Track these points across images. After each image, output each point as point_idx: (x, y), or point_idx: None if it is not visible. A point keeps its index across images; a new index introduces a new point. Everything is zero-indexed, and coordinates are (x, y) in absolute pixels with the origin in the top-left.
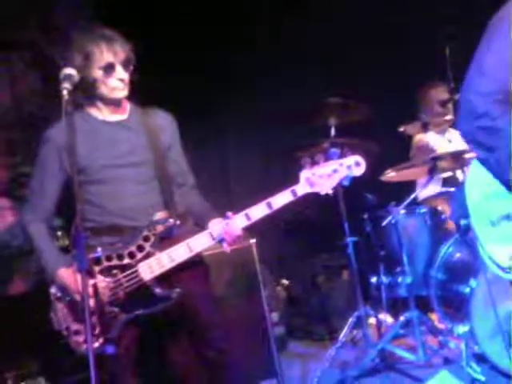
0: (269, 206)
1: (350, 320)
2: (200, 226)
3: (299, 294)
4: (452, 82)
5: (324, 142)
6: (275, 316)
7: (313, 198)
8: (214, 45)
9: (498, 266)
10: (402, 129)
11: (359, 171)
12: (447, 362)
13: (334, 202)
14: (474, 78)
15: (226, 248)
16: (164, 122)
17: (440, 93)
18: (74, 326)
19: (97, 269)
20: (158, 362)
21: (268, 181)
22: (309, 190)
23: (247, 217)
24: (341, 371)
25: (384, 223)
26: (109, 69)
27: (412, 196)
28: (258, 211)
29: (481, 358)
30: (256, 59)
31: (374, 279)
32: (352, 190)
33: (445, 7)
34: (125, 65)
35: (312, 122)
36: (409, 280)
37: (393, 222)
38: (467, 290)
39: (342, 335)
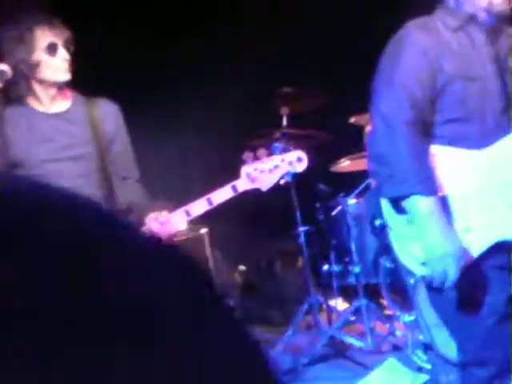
0: (209, 201)
1: (303, 306)
2: (139, 217)
3: (255, 280)
4: None
5: (275, 132)
6: (229, 302)
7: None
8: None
9: (413, 263)
10: (352, 120)
11: (301, 167)
12: (395, 349)
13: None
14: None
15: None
16: (108, 112)
17: None
18: None
19: None
20: None
21: (223, 169)
22: (250, 185)
23: (187, 213)
24: (292, 358)
25: (334, 212)
26: (52, 49)
27: (361, 186)
28: (198, 207)
29: (427, 347)
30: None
31: (325, 267)
32: (306, 179)
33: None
34: (67, 46)
35: (264, 111)
36: (357, 269)
37: (342, 211)
38: (412, 280)
39: (295, 321)
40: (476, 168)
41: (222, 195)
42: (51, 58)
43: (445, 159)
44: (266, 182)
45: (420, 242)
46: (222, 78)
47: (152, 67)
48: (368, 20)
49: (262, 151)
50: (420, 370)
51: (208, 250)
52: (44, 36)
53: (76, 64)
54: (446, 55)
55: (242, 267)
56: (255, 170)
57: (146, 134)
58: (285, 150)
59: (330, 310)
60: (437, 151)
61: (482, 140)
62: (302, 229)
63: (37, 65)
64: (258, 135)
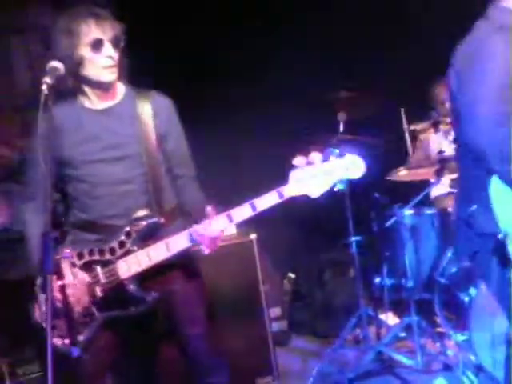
0: (253, 207)
1: (352, 319)
2: (196, 219)
3: (305, 288)
4: None
5: (332, 139)
6: (277, 311)
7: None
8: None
9: None
10: (412, 127)
11: (357, 174)
12: (445, 368)
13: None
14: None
15: (205, 251)
16: (159, 108)
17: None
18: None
19: (78, 263)
20: (142, 364)
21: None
22: (298, 191)
23: (229, 218)
24: (338, 371)
25: (388, 224)
26: (97, 45)
27: (419, 197)
28: (241, 213)
29: (478, 368)
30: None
31: (377, 280)
32: (361, 187)
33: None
34: (114, 43)
35: (322, 115)
36: (410, 283)
37: (398, 222)
38: (466, 298)
39: (344, 334)
40: None
41: (266, 201)
42: (95, 54)
43: None
44: (315, 189)
45: None
46: (281, 81)
47: (211, 69)
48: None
49: (315, 155)
50: None
51: (257, 256)
52: (89, 31)
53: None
54: None
55: (291, 275)
56: (305, 175)
57: (201, 134)
58: (340, 155)
59: (380, 324)
60: None
61: None
62: (354, 239)
63: (81, 61)
64: (313, 141)
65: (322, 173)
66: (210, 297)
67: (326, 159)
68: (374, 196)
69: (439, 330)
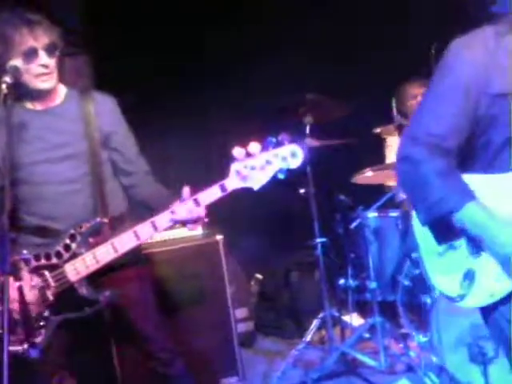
0: (196, 202)
1: (316, 320)
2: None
3: (271, 289)
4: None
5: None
6: (244, 312)
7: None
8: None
9: (448, 296)
10: (377, 130)
11: (296, 163)
12: (408, 369)
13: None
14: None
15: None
16: (102, 107)
17: (414, 88)
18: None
19: (26, 269)
20: (99, 363)
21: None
22: (240, 184)
23: (172, 213)
24: (303, 372)
25: (352, 226)
26: (30, 54)
27: (383, 200)
28: (184, 208)
29: (440, 369)
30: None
31: (341, 281)
32: (325, 189)
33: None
34: (49, 50)
35: (287, 119)
36: (374, 285)
37: (362, 224)
38: (428, 300)
39: (308, 335)
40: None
41: (209, 195)
42: (29, 64)
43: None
44: (257, 180)
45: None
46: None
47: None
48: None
49: (253, 146)
50: None
51: (223, 257)
52: (22, 40)
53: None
54: (493, 74)
55: (258, 276)
56: (245, 167)
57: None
58: (279, 145)
59: (344, 325)
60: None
61: None
62: (319, 240)
63: (15, 69)
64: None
65: (261, 164)
66: (174, 297)
67: (264, 149)
68: (339, 198)
69: (402, 331)
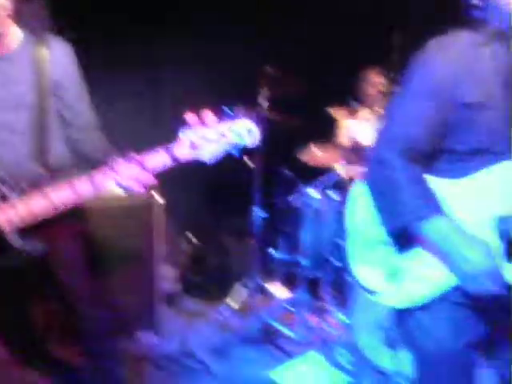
0: (141, 165)
1: (242, 288)
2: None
3: (203, 251)
4: (394, 72)
5: (252, 107)
6: (172, 271)
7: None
8: None
9: (367, 289)
10: (331, 111)
11: (251, 140)
12: (323, 343)
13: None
14: (384, 123)
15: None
16: (57, 54)
17: (376, 77)
18: None
19: None
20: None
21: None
22: (190, 153)
23: (115, 173)
24: (222, 336)
25: (293, 201)
26: None
27: (327, 179)
28: (128, 170)
29: (354, 348)
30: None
31: (273, 252)
32: (272, 161)
33: None
34: None
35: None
36: (304, 261)
37: (302, 201)
38: (351, 279)
39: (233, 301)
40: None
41: (156, 160)
42: None
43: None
44: (208, 153)
45: (449, 264)
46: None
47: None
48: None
49: (208, 115)
50: (342, 369)
51: (156, 215)
52: None
53: None
54: (465, 83)
55: (191, 237)
56: (198, 136)
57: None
58: (235, 118)
59: (269, 295)
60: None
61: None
62: (258, 210)
63: None
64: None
65: (214, 136)
66: (102, 250)
67: (219, 120)
68: (284, 172)
69: (325, 307)
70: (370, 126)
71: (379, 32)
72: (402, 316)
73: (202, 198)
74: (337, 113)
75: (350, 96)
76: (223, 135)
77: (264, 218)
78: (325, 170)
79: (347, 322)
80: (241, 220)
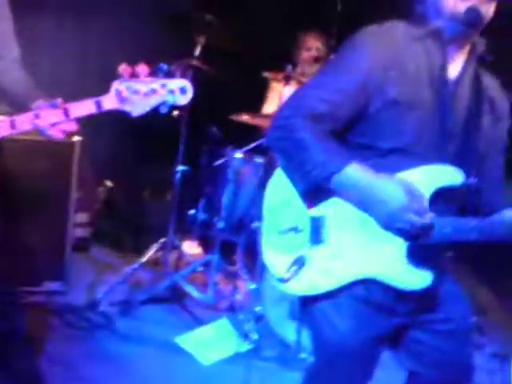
0: (65, 113)
1: (156, 244)
2: (21, 106)
3: (120, 200)
4: (333, 39)
5: (184, 59)
6: (84, 217)
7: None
8: None
9: (274, 275)
10: (265, 74)
11: (183, 100)
12: (231, 309)
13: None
14: (295, 93)
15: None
16: None
17: (311, 40)
18: None
19: None
20: None
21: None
22: (118, 105)
23: (36, 116)
24: (130, 291)
25: (217, 162)
26: None
27: (253, 144)
28: (51, 116)
29: (259, 317)
30: None
31: (191, 211)
32: (200, 117)
33: None
34: None
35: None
36: (221, 223)
37: (226, 162)
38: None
39: (145, 256)
40: None
41: (82, 109)
42: None
43: None
44: (137, 107)
45: (370, 211)
46: None
47: None
48: None
49: (142, 68)
50: (247, 337)
51: (75, 159)
52: None
53: None
54: (394, 76)
55: (108, 183)
56: (129, 88)
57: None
58: (170, 75)
59: (182, 254)
60: None
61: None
62: (180, 167)
63: None
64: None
65: (146, 90)
66: (14, 191)
67: (153, 75)
68: (211, 130)
69: (236, 272)
70: None
71: None
72: (305, 304)
73: (124, 147)
74: (272, 76)
75: (287, 60)
76: (154, 91)
77: (186, 175)
78: (254, 133)
79: (255, 288)
80: (162, 174)
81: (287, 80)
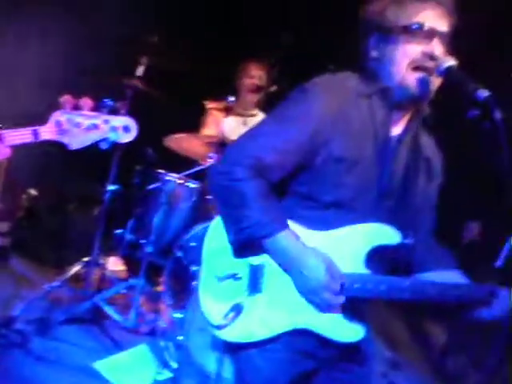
0: (1, 138)
1: (79, 262)
2: None
3: (43, 211)
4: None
5: (126, 78)
6: (4, 226)
7: None
8: None
9: (209, 321)
10: (206, 102)
11: (126, 138)
12: (151, 334)
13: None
14: (242, 138)
15: None
16: None
17: (254, 69)
18: None
19: None
20: None
21: None
22: (55, 137)
23: None
24: (48, 308)
25: (151, 184)
26: None
27: (192, 170)
28: None
29: (180, 346)
30: None
31: (119, 231)
32: (136, 138)
33: None
34: None
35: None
36: (150, 248)
37: (160, 185)
38: (194, 282)
39: (67, 273)
40: None
41: (18, 137)
42: None
43: None
44: (76, 140)
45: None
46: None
47: None
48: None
49: (85, 101)
50: (166, 365)
51: (2, 169)
52: None
53: None
54: (341, 131)
55: (32, 191)
56: (69, 120)
57: None
58: (114, 112)
59: (106, 273)
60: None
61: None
62: (111, 187)
63: None
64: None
65: (88, 124)
66: None
67: (97, 110)
68: (147, 151)
69: (160, 297)
70: (240, 124)
71: (270, 29)
72: (235, 349)
73: (53, 157)
74: (212, 106)
75: (228, 88)
76: (96, 126)
77: (117, 194)
78: (189, 159)
79: (179, 316)
80: (91, 189)
81: (228, 111)
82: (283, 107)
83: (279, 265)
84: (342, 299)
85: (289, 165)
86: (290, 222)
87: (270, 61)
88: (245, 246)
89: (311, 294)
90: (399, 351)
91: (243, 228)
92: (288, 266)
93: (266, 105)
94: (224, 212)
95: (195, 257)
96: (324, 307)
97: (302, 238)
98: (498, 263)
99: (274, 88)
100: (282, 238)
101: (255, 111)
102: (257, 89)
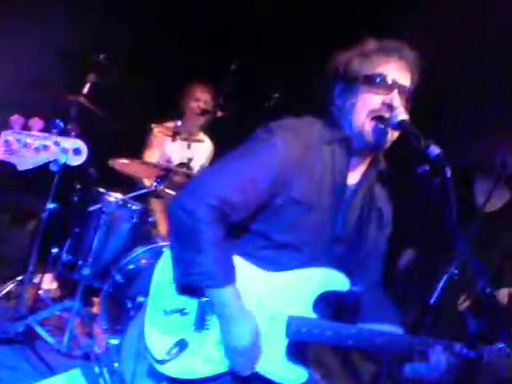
0: None
1: (12, 281)
2: None
3: None
4: (224, 98)
5: (67, 94)
6: None
7: None
8: None
9: (151, 354)
10: (153, 126)
11: (76, 161)
12: (86, 357)
13: None
14: (207, 174)
15: None
16: None
17: (200, 92)
18: None
19: None
20: None
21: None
22: (3, 156)
23: None
24: None
25: (92, 205)
26: None
27: (136, 193)
28: None
29: (115, 372)
30: None
31: (55, 250)
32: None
33: None
34: None
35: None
36: (87, 271)
37: (100, 206)
38: (130, 305)
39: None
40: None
41: None
42: None
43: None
44: (25, 161)
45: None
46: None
47: None
48: None
49: (36, 121)
50: None
51: None
52: None
53: None
54: (302, 176)
55: None
56: (19, 141)
57: None
58: (65, 133)
59: (40, 295)
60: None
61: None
62: (50, 206)
63: None
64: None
65: (37, 145)
66: None
67: (47, 131)
68: (89, 170)
69: (96, 321)
70: (185, 148)
71: (220, 55)
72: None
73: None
74: (159, 130)
75: (175, 110)
76: (46, 147)
77: (56, 212)
78: (132, 180)
79: (115, 342)
80: (28, 203)
81: (174, 135)
82: (248, 146)
83: (215, 313)
84: (253, 368)
85: (252, 205)
86: (243, 261)
87: (217, 85)
88: (189, 287)
89: (232, 354)
90: (330, 379)
91: (192, 273)
92: (222, 319)
93: (212, 130)
94: (177, 249)
95: (133, 281)
96: (235, 366)
97: (255, 278)
98: (432, 301)
99: (220, 114)
100: (226, 294)
101: (200, 135)
102: (202, 112)
